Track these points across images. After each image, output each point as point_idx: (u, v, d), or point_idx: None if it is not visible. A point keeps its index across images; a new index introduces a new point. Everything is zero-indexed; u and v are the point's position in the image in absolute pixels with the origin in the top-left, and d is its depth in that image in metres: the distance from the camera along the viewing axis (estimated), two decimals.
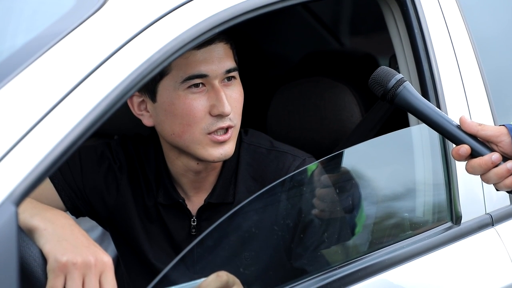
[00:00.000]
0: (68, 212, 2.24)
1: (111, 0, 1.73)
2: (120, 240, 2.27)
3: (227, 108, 2.03)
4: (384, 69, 1.86)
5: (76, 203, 2.21)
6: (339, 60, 3.32)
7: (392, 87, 1.83)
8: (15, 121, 1.53)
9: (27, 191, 1.47)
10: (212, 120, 2.04)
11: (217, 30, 1.75)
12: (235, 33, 2.08)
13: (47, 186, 2.18)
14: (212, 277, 1.71)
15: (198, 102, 2.04)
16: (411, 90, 1.83)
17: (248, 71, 3.40)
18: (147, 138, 2.24)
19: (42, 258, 1.65)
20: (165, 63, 1.67)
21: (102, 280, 1.67)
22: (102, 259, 1.67)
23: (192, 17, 1.73)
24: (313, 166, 1.97)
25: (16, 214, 1.45)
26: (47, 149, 1.51)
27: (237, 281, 1.74)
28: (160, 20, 1.70)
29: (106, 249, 2.69)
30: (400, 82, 1.83)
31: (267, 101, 2.86)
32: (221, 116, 2.04)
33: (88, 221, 2.44)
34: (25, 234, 1.66)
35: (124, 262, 2.29)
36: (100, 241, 2.71)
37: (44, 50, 1.61)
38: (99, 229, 2.69)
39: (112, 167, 2.21)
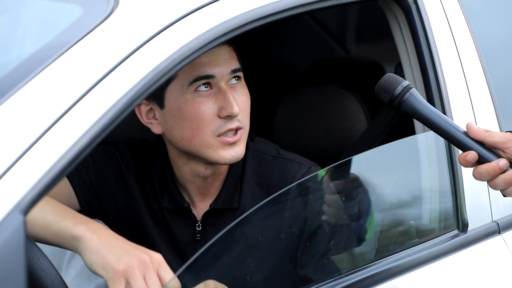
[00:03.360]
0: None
1: (118, 9, 1.74)
2: None
3: (235, 108, 2.03)
4: (391, 76, 1.86)
5: (90, 200, 2.22)
6: (345, 68, 3.33)
7: (399, 94, 1.84)
8: (23, 130, 1.53)
9: (35, 200, 1.47)
10: (221, 122, 2.05)
11: (223, 39, 1.76)
12: (241, 40, 2.09)
13: (63, 181, 2.19)
14: (200, 286, 1.72)
15: (206, 105, 2.04)
16: (418, 97, 1.84)
17: (255, 79, 3.41)
18: (154, 143, 2.25)
19: (51, 268, 1.65)
20: (172, 72, 1.68)
21: (160, 275, 1.70)
22: (155, 256, 1.71)
23: (198, 26, 1.74)
24: (320, 173, 1.98)
25: (24, 223, 1.45)
26: (55, 157, 1.51)
27: None
28: (167, 29, 1.71)
29: None
30: (407, 89, 1.84)
31: (273, 109, 2.87)
32: (230, 117, 2.04)
33: None
34: (33, 244, 1.67)
35: None
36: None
37: (52, 60, 1.62)
38: None
39: (120, 167, 2.23)
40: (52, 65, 1.62)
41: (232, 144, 2.05)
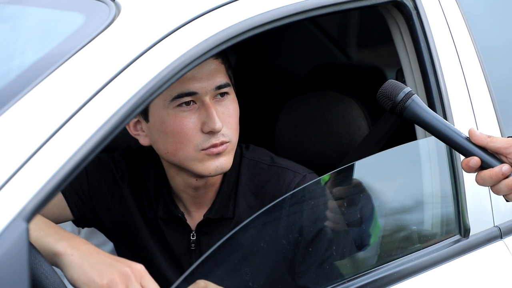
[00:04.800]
0: (73, 223, 2.27)
1: (120, 17, 1.74)
2: (126, 251, 2.28)
3: (217, 124, 2.01)
4: (392, 82, 1.87)
5: (83, 211, 2.22)
6: (346, 73, 3.33)
7: (401, 100, 1.84)
8: (26, 138, 1.54)
9: (38, 208, 1.48)
10: (204, 137, 2.03)
11: (224, 46, 1.76)
12: (241, 47, 2.08)
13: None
14: (191, 287, 1.73)
15: (189, 120, 2.02)
16: (420, 103, 1.84)
17: (256, 86, 3.42)
18: (149, 152, 2.24)
19: (54, 275, 1.66)
20: (173, 79, 1.68)
21: (143, 286, 1.70)
22: (137, 267, 1.71)
23: (200, 33, 1.74)
24: (321, 179, 1.98)
25: (27, 231, 1.46)
26: (57, 165, 1.52)
27: None
28: (169, 37, 1.72)
29: None
30: (409, 95, 1.84)
31: (274, 115, 2.87)
32: (212, 132, 2.02)
33: (100, 236, 2.45)
34: (37, 251, 1.67)
35: None
36: (112, 254, 2.72)
37: (54, 68, 1.62)
38: (111, 244, 2.70)
39: (114, 176, 2.22)
40: (54, 73, 1.62)
41: (217, 154, 2.03)
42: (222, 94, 2.06)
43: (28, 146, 1.53)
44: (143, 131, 2.11)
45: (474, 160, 1.81)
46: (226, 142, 2.04)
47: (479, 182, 1.83)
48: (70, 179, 1.52)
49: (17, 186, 1.49)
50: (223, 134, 2.03)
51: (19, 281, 1.45)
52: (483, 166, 1.82)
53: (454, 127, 1.84)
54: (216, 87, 2.04)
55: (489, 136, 1.83)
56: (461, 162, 1.84)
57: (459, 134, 1.84)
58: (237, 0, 1.83)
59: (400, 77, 2.28)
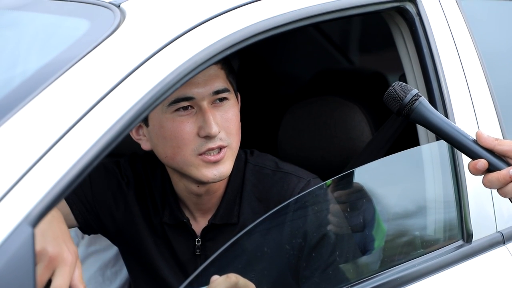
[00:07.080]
0: (79, 229, 2.27)
1: (125, 23, 1.75)
2: (130, 257, 2.28)
3: (213, 128, 2.01)
4: (400, 84, 1.87)
5: (87, 218, 2.23)
6: (349, 78, 3.34)
7: (408, 102, 1.84)
8: (31, 144, 1.54)
9: (44, 213, 1.48)
10: (201, 141, 2.03)
11: (228, 52, 1.77)
12: (244, 52, 2.09)
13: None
14: (222, 279, 1.72)
15: (186, 124, 2.03)
16: (427, 105, 1.85)
17: (259, 91, 3.42)
18: (155, 157, 2.25)
19: None
20: (178, 85, 1.69)
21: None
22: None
23: (204, 39, 1.75)
24: (325, 184, 1.98)
25: (33, 236, 1.46)
26: (63, 170, 1.52)
27: (250, 284, 1.75)
28: (173, 43, 1.72)
29: (121, 269, 2.70)
30: (416, 97, 1.85)
31: (277, 120, 2.88)
32: (209, 137, 2.03)
33: (104, 240, 2.45)
34: None
35: (134, 279, 2.30)
36: (115, 260, 2.72)
37: (59, 74, 1.63)
38: (114, 248, 2.71)
39: (119, 183, 2.23)
40: (59, 79, 1.62)
41: (215, 162, 2.04)
42: (221, 99, 2.06)
43: (34, 151, 1.53)
44: (145, 136, 2.13)
45: (482, 163, 1.82)
46: (224, 147, 2.05)
47: (486, 184, 1.83)
48: (76, 184, 1.52)
49: (23, 191, 1.49)
50: (220, 139, 2.04)
51: (24, 286, 1.45)
52: (490, 168, 1.83)
53: (461, 130, 1.85)
54: (214, 92, 2.05)
55: (496, 139, 1.83)
56: (468, 165, 1.84)
57: (467, 137, 1.84)
58: (241, 7, 1.84)
59: (403, 82, 2.28)
